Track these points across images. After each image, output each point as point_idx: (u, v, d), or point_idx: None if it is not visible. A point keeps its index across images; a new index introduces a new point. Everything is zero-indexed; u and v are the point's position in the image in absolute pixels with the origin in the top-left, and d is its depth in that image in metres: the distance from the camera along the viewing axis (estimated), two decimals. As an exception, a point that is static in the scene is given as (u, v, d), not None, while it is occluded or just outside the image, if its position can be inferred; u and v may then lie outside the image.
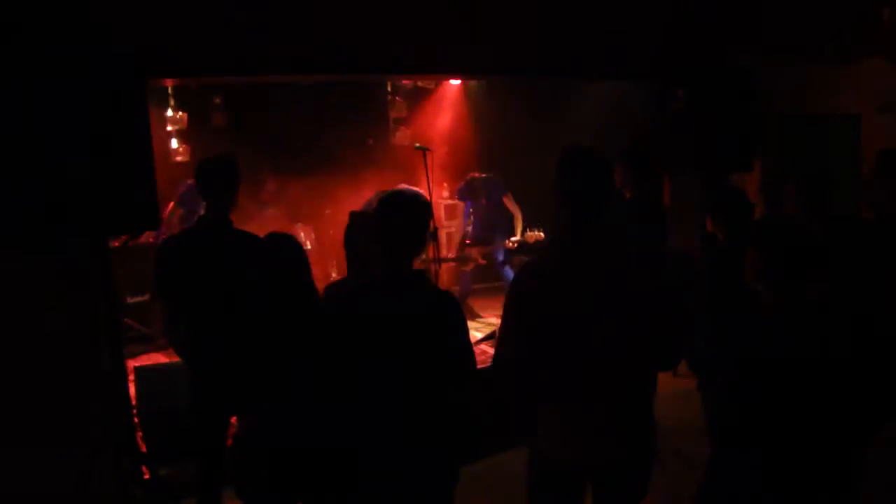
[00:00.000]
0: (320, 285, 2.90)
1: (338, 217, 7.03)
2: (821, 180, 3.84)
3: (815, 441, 2.11)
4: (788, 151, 6.31)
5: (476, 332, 6.05)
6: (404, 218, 2.43)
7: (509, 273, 7.05)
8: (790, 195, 3.81)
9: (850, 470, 2.17)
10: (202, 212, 3.50)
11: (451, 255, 7.23)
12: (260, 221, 6.37)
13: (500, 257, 7.14)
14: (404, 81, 7.43)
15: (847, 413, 2.10)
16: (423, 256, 5.46)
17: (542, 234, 6.68)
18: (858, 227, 3.74)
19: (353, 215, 3.40)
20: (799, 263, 2.22)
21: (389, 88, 7.64)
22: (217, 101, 7.11)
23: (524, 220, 6.95)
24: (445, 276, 7.19)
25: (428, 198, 5.69)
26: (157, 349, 6.13)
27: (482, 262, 7.17)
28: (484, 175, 7.06)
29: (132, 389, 4.28)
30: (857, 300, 3.13)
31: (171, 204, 6.16)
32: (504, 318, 2.49)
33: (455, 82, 7.52)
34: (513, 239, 6.96)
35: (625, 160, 4.69)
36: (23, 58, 2.90)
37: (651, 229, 4.53)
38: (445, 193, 8.02)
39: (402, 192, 2.57)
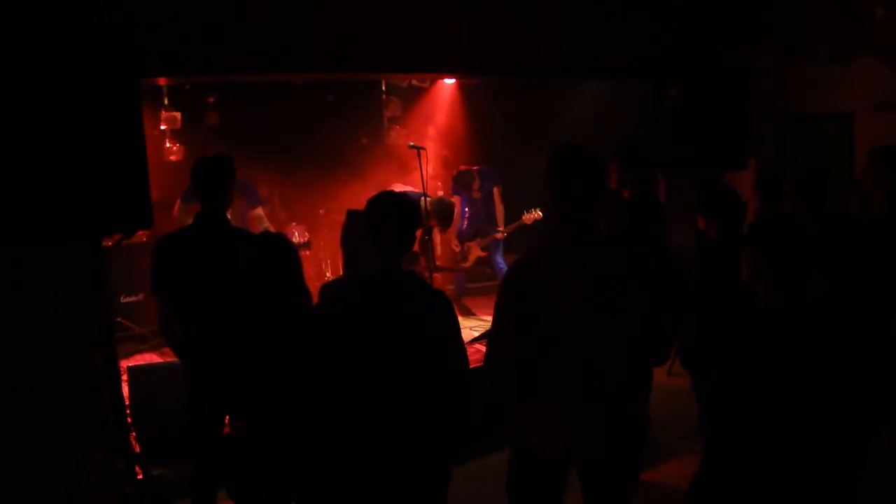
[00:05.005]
0: (314, 284, 2.90)
1: (331, 216, 7.03)
2: (820, 179, 3.84)
3: (813, 441, 2.11)
4: (782, 150, 6.34)
5: (471, 331, 6.05)
6: (394, 216, 2.43)
7: (501, 263, 7.06)
8: (790, 194, 3.82)
9: (849, 469, 2.17)
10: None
11: (445, 256, 7.22)
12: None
13: (494, 249, 7.16)
14: (400, 81, 7.42)
15: (846, 412, 2.10)
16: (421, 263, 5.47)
17: (539, 214, 6.65)
18: (857, 225, 3.75)
19: (350, 214, 3.38)
20: (799, 263, 2.22)
21: (384, 87, 7.63)
22: (211, 100, 7.08)
23: (506, 217, 7.03)
24: (440, 276, 7.19)
25: (423, 197, 5.70)
26: (151, 349, 6.12)
27: (482, 253, 7.17)
28: (475, 167, 7.08)
29: (125, 389, 4.27)
30: (856, 300, 3.13)
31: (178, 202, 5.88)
32: (496, 316, 2.49)
33: (450, 81, 7.52)
34: (500, 230, 6.97)
35: (621, 160, 4.65)
36: (15, 59, 2.89)
37: (650, 229, 4.52)
38: (441, 192, 8.01)
39: (391, 191, 2.58)
